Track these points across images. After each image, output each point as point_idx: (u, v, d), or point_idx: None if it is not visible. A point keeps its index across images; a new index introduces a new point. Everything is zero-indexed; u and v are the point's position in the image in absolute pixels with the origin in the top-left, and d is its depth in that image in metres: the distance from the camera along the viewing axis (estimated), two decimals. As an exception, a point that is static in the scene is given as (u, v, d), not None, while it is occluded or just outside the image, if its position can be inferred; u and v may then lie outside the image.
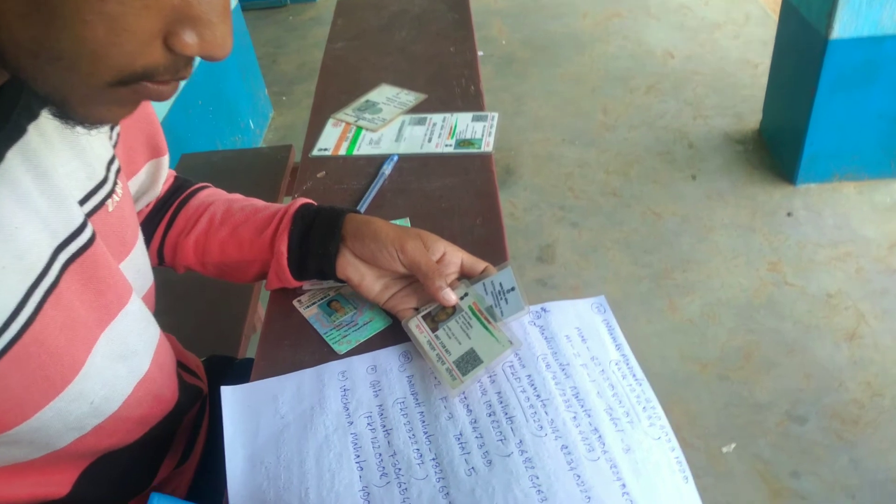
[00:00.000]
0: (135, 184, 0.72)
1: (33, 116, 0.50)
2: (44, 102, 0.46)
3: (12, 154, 0.47)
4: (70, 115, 0.42)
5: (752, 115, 2.58)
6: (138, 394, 0.61)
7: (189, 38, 0.39)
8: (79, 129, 0.45)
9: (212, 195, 0.82)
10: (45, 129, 0.51)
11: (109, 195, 0.59)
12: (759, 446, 1.44)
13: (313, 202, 0.76)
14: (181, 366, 0.75)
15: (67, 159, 0.54)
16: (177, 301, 1.22)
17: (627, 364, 0.67)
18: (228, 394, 0.66)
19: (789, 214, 2.12)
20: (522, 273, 1.89)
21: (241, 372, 0.91)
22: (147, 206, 0.79)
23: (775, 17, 2.37)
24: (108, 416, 0.58)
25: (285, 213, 0.74)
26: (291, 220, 0.73)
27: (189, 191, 0.82)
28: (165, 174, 0.77)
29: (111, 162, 0.61)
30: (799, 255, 1.93)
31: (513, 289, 0.66)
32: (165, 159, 0.75)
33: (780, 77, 2.31)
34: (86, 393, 0.54)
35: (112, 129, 0.64)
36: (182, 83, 0.45)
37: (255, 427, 0.63)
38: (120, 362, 0.58)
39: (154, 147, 0.72)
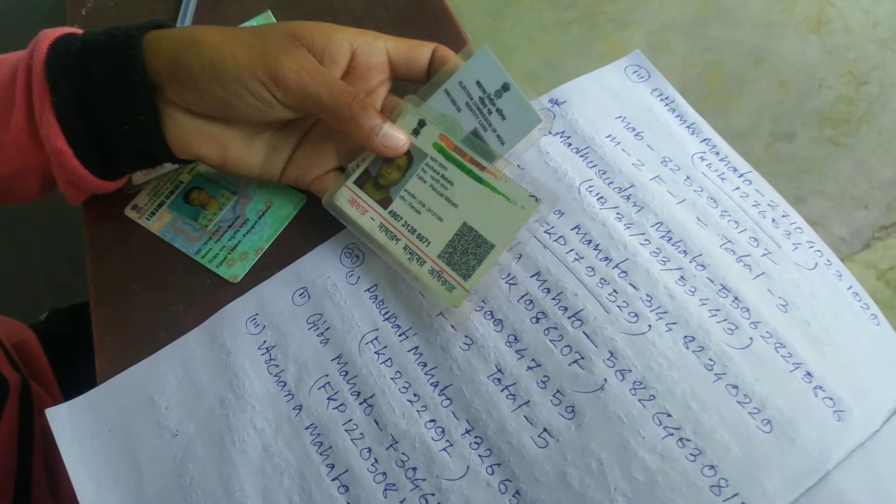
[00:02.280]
0: None
1: None
2: None
3: None
4: None
5: None
6: None
7: None
8: None
9: None
10: None
11: None
12: (753, 179, 1.26)
13: (76, 31, 0.39)
14: None
15: None
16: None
17: (718, 154, 0.39)
18: (62, 419, 0.36)
19: None
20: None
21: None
22: None
23: None
24: None
25: (31, 72, 0.37)
26: (47, 81, 0.36)
27: None
28: None
29: None
30: (734, -56, 1.62)
31: (506, 87, 0.35)
32: None
33: None
34: None
35: None
36: None
37: (131, 468, 0.34)
38: None
39: None
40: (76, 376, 0.56)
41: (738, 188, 0.38)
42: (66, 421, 0.36)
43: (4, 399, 0.47)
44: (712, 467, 0.29)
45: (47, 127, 0.36)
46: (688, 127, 0.40)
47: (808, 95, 1.33)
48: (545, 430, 0.31)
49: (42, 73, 0.36)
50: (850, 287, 0.35)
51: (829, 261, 0.36)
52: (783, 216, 0.37)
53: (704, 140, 0.40)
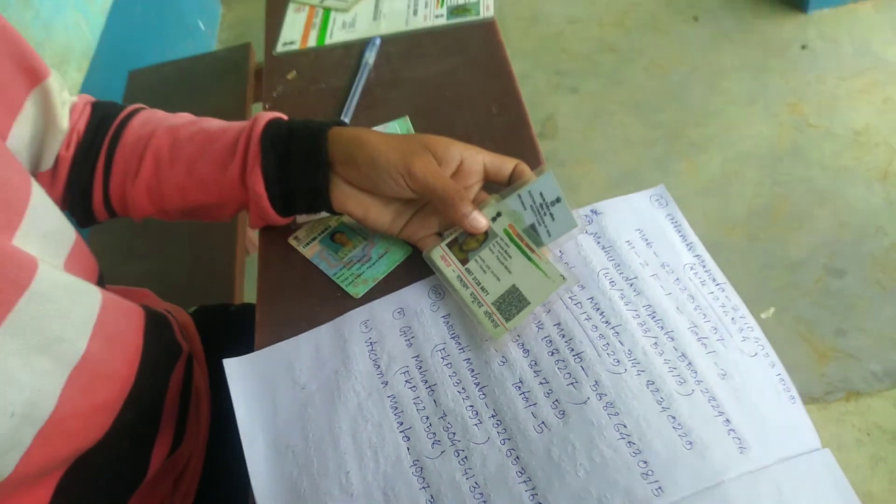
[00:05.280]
0: (24, 125, 0.56)
1: None
2: None
3: None
4: None
5: (751, -62, 2.31)
6: (77, 382, 0.49)
7: None
8: None
9: (148, 122, 0.64)
10: None
11: None
12: (800, 307, 1.37)
13: (282, 116, 0.61)
14: (156, 324, 0.63)
15: None
16: (153, 243, 1.09)
17: (704, 266, 0.55)
18: (234, 367, 0.55)
19: (804, 47, 1.94)
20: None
21: (239, 323, 0.80)
22: (66, 147, 0.62)
23: None
24: (45, 420, 0.46)
25: (250, 140, 0.58)
26: (260, 149, 0.57)
27: (118, 122, 0.64)
28: (61, 102, 0.60)
29: None
30: (819, 92, 1.78)
31: (558, 200, 0.53)
32: (51, 83, 0.57)
33: None
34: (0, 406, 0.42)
35: None
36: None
37: (272, 405, 0.52)
38: (39, 355, 0.45)
39: (30, 72, 0.56)
40: (218, 357, 0.76)
41: (712, 292, 0.53)
42: (235, 368, 0.54)
43: (177, 359, 0.66)
44: (646, 462, 0.44)
45: (253, 177, 0.57)
46: (686, 245, 0.56)
47: (864, 238, 1.44)
48: (542, 422, 0.47)
49: (258, 142, 0.57)
50: (779, 374, 0.50)
51: (767, 353, 0.51)
52: (741, 317, 0.52)
53: (696, 255, 0.56)
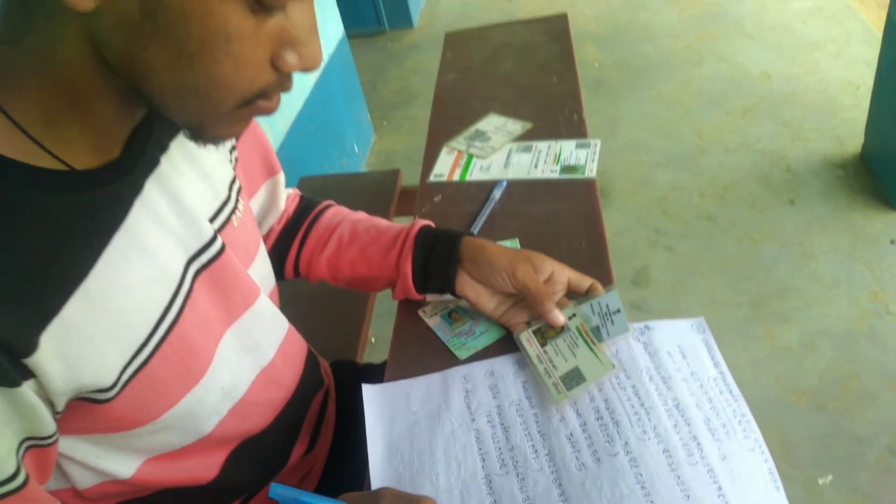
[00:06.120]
0: (256, 202, 0.83)
1: (164, 149, 0.60)
2: (177, 130, 0.59)
3: (150, 183, 0.57)
4: (203, 136, 0.53)
5: (853, 139, 2.51)
6: (262, 379, 0.71)
7: (291, 59, 0.48)
8: (209, 146, 0.55)
9: (337, 214, 0.92)
10: (175, 158, 0.61)
11: (233, 211, 0.69)
12: (859, 480, 1.42)
13: (432, 224, 0.86)
14: (311, 359, 0.86)
15: (195, 183, 0.63)
16: (300, 314, 1.36)
17: (725, 381, 0.73)
18: (369, 391, 0.76)
19: (892, 242, 2.06)
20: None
21: (364, 376, 1.02)
22: (278, 222, 0.90)
23: (879, 35, 2.31)
24: (237, 400, 0.68)
25: (407, 237, 0.83)
26: (413, 243, 0.82)
27: (316, 211, 0.92)
28: (283, 191, 0.87)
29: (233, 182, 0.70)
30: (904, 285, 1.88)
31: (618, 311, 0.74)
32: (280, 177, 0.85)
33: (884, 98, 2.24)
34: (217, 381, 0.64)
35: (231, 152, 0.73)
36: (283, 98, 0.54)
37: (391, 420, 0.73)
38: (245, 353, 0.69)
39: (269, 167, 0.83)
40: (344, 395, 0.97)
41: (727, 400, 0.70)
42: (369, 392, 0.76)
43: (319, 388, 0.89)
44: (652, 502, 0.60)
45: (405, 263, 0.81)
46: (715, 363, 0.74)
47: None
48: (582, 463, 0.65)
49: (412, 240, 0.82)
50: (770, 468, 0.65)
51: (762, 451, 0.66)
52: (748, 422, 0.69)
53: (721, 373, 0.73)
